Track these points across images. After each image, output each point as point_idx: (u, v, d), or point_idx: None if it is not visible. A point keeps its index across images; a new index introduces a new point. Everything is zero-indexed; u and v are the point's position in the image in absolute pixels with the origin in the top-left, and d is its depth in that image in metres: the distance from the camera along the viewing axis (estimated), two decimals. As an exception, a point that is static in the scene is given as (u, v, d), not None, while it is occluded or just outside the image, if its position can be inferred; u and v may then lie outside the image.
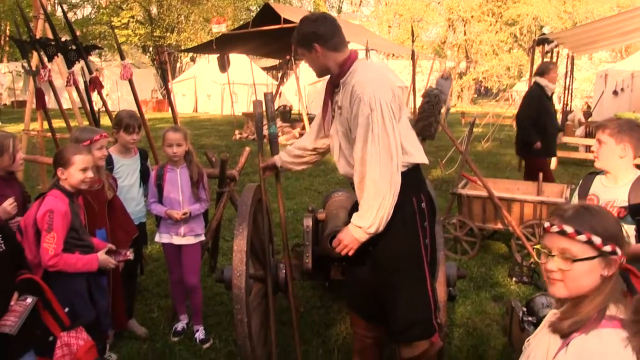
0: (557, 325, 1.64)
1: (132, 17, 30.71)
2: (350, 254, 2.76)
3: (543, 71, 6.70)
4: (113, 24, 28.60)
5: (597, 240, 1.58)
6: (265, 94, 3.47)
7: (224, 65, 16.47)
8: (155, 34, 29.84)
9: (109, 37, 28.92)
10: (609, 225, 1.60)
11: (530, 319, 3.68)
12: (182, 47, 26.95)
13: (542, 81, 6.58)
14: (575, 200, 3.21)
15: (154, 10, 30.88)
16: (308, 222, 3.39)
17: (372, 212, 2.63)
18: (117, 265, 3.37)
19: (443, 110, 17.67)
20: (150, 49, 31.58)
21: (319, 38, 2.77)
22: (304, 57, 2.89)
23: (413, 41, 13.68)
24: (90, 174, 3.18)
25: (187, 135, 3.93)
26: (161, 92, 26.45)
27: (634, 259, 2.56)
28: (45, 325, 2.80)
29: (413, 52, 13.06)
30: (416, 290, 2.86)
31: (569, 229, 1.60)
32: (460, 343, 4.01)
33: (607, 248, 1.58)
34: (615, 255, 1.58)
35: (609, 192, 3.01)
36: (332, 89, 2.94)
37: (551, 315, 1.77)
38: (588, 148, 11.79)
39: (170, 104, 6.36)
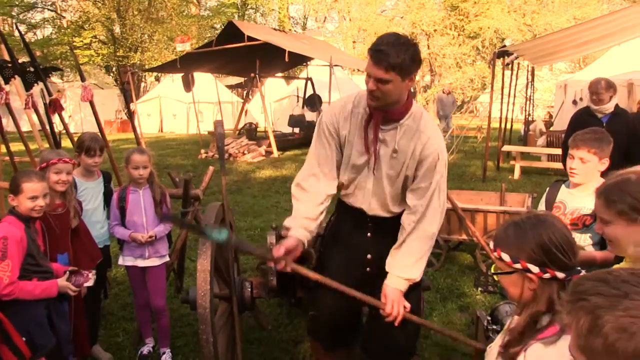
0: (507, 344, 1.68)
1: (95, 37, 30.40)
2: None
3: None
4: (75, 44, 28.24)
5: (506, 258, 1.65)
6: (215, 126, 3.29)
7: (188, 84, 16.40)
8: (118, 54, 29.55)
9: (70, 58, 28.54)
10: (528, 243, 1.64)
11: (494, 327, 3.72)
12: (146, 67, 26.69)
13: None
14: (541, 208, 3.27)
15: (117, 29, 30.61)
16: (272, 239, 3.38)
17: (423, 262, 2.73)
18: (77, 291, 3.29)
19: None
20: (114, 68, 31.25)
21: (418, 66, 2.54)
22: (390, 84, 2.47)
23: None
24: (41, 202, 3.07)
25: (151, 157, 3.92)
26: (125, 113, 26.17)
27: (601, 265, 2.64)
28: None
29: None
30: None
31: (491, 245, 1.74)
32: (429, 354, 4.04)
33: (517, 266, 1.64)
34: (530, 272, 1.62)
35: (576, 200, 3.08)
36: (378, 124, 2.65)
37: (512, 321, 1.81)
38: (550, 157, 12.07)
39: (133, 125, 6.30)
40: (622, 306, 0.94)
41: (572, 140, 3.10)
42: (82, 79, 5.21)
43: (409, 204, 2.72)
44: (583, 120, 5.42)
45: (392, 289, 2.65)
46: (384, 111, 2.61)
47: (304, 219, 2.70)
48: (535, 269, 1.62)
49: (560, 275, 1.62)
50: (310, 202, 2.74)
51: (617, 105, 5.37)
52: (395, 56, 2.41)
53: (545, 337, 1.57)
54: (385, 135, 2.66)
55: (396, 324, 2.63)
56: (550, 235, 1.65)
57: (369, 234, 2.89)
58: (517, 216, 1.77)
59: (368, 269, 2.90)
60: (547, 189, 3.33)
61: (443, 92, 20.06)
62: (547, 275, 1.61)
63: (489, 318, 3.90)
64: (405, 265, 2.68)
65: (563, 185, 3.22)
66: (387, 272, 2.74)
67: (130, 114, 11.23)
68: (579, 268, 1.65)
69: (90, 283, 3.35)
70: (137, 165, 3.84)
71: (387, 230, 2.84)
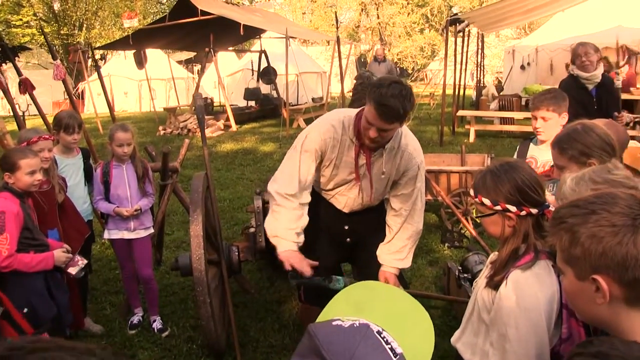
0: (491, 275, 1.93)
1: (35, 14, 29.19)
2: None
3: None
4: (13, 22, 27.11)
5: (487, 202, 1.89)
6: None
7: (141, 61, 16.12)
8: (62, 32, 28.52)
9: (7, 37, 27.36)
10: (504, 187, 1.88)
11: (465, 275, 4.04)
12: (93, 45, 25.89)
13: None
14: None
15: (56, 6, 29.38)
16: (258, 203, 3.56)
17: (412, 253, 3.17)
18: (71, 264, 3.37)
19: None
20: (58, 47, 30.09)
21: None
22: (391, 130, 2.76)
23: (337, 27, 13.93)
24: (39, 175, 3.19)
25: (133, 134, 4.02)
26: (75, 93, 25.45)
27: None
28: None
29: (338, 38, 13.28)
30: None
31: (472, 192, 1.98)
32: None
33: (497, 207, 1.88)
34: (508, 212, 1.86)
35: (545, 154, 3.36)
36: (370, 155, 2.92)
37: (493, 255, 2.07)
38: (503, 120, 12.53)
39: (108, 102, 6.30)
40: (592, 220, 1.21)
41: (531, 103, 3.40)
42: (54, 57, 5.19)
43: (394, 207, 3.10)
44: (573, 95, 4.30)
45: (390, 274, 3.12)
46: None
47: (290, 232, 2.91)
48: (513, 208, 1.86)
49: (534, 210, 1.87)
50: (292, 215, 2.93)
51: (603, 74, 4.83)
52: (400, 109, 2.61)
53: (522, 264, 1.84)
54: (373, 159, 2.95)
55: None
56: (523, 177, 1.90)
57: (345, 212, 3.22)
58: (491, 165, 2.01)
59: (348, 239, 3.30)
60: (518, 146, 3.64)
61: (376, 60, 15.12)
62: (523, 212, 1.87)
63: (460, 268, 4.22)
64: (399, 259, 3.12)
65: (531, 143, 3.53)
66: (362, 240, 3.27)
67: (77, 95, 11.01)
68: (547, 203, 1.90)
69: (76, 270, 3.36)
70: (121, 142, 3.93)
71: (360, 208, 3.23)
